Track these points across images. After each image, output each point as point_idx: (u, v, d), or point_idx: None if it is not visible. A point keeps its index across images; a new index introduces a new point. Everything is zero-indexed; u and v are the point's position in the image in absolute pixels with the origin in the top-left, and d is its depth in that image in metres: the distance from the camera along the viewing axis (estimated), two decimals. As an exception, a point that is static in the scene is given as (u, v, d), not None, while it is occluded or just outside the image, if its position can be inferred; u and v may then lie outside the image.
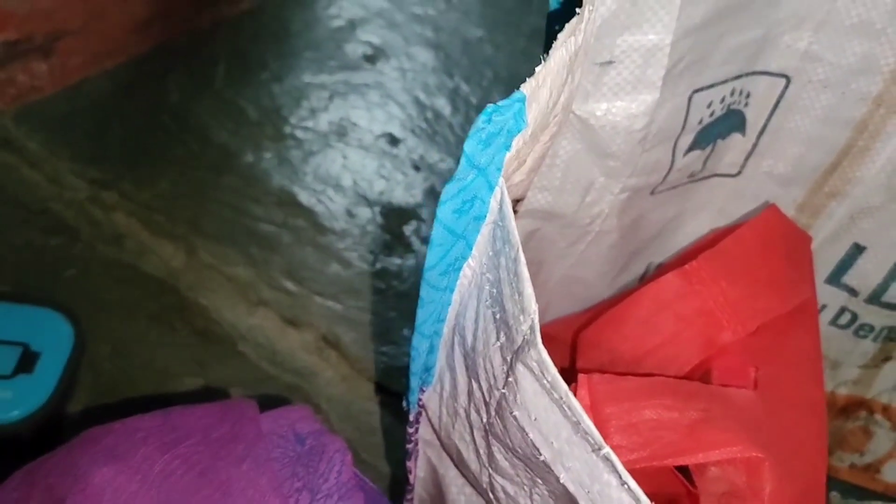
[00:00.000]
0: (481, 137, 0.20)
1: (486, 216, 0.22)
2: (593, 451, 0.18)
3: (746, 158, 0.37)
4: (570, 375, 0.34)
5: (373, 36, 0.74)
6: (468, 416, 0.25)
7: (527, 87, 0.21)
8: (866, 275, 0.39)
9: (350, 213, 0.58)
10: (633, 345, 0.33)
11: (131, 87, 0.65)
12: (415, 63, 0.71)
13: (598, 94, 0.31)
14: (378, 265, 0.55)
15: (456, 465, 0.29)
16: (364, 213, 0.59)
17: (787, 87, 0.34)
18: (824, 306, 0.41)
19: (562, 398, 0.18)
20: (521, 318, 0.19)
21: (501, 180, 0.21)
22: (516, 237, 0.20)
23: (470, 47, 0.74)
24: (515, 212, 0.35)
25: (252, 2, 0.74)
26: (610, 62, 0.30)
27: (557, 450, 0.19)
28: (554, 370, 0.18)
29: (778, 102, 0.35)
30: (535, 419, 0.20)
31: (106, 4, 0.70)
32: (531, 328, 0.19)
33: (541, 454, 0.20)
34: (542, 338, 0.42)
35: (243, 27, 0.72)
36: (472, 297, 0.23)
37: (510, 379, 0.20)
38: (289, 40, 0.72)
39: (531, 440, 0.20)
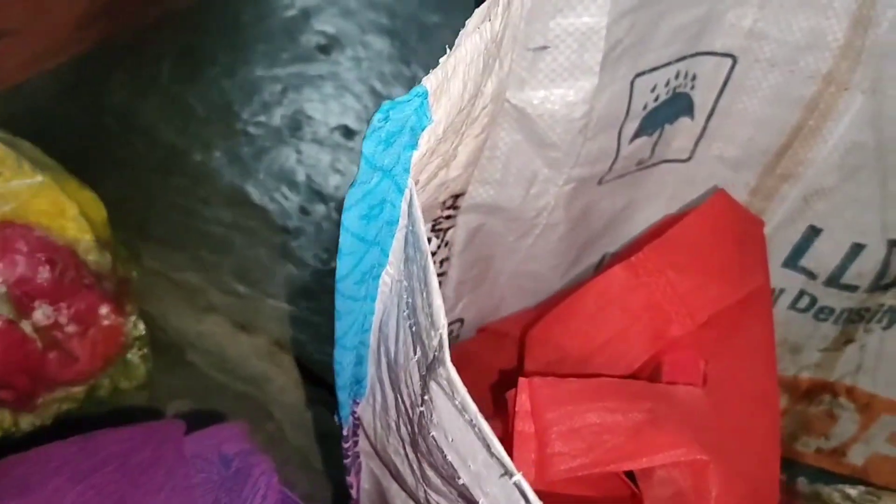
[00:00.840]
0: (380, 137, 0.18)
1: (398, 220, 0.20)
2: (506, 476, 0.16)
3: (696, 143, 0.36)
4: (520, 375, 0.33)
5: (327, 25, 0.71)
6: (398, 429, 0.24)
7: (430, 81, 0.19)
8: (823, 257, 0.38)
9: (304, 211, 0.56)
10: (580, 342, 0.32)
11: (73, 87, 0.62)
12: (370, 52, 0.69)
13: (535, 82, 0.29)
14: (334, 264, 0.54)
15: (395, 479, 0.27)
16: (319, 209, 0.57)
17: (733, 67, 0.33)
18: (782, 290, 0.40)
19: (472, 420, 0.17)
20: (432, 332, 0.18)
21: (410, 182, 0.20)
22: (426, 244, 0.19)
23: (427, 33, 0.72)
24: (458, 207, 0.33)
25: (200, -7, 0.71)
26: (544, 47, 0.29)
27: (475, 473, 0.18)
28: (463, 390, 0.17)
29: (725, 83, 0.34)
30: (452, 440, 0.18)
31: (46, 2, 0.68)
32: (440, 344, 0.17)
33: (460, 477, 0.19)
34: (494, 335, 0.40)
35: (191, 20, 0.69)
36: (394, 305, 0.22)
37: (426, 397, 0.19)
38: (239, 33, 0.69)
39: (450, 461, 0.19)
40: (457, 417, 0.18)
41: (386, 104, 0.19)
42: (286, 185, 0.58)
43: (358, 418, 0.27)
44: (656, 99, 0.33)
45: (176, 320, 0.49)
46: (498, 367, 0.37)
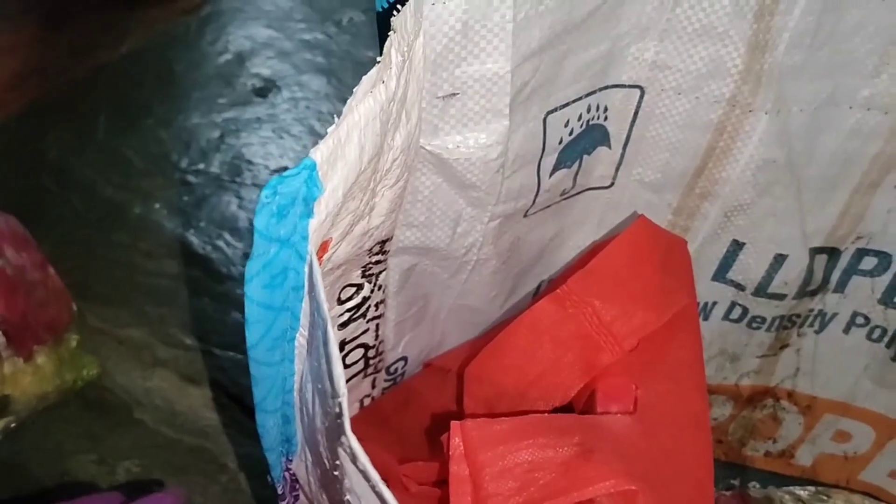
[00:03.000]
0: (272, 211, 0.19)
1: (304, 286, 0.21)
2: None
3: (616, 170, 0.37)
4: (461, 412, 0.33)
5: (262, 68, 0.72)
6: (325, 487, 0.24)
7: (319, 152, 0.20)
8: (749, 269, 0.39)
9: (248, 257, 0.56)
10: (515, 376, 0.32)
11: (7, 148, 0.61)
12: (307, 91, 0.70)
13: (448, 128, 0.30)
14: (281, 308, 0.54)
15: (335, 533, 0.27)
16: (263, 254, 0.57)
17: (642, 97, 0.34)
18: (715, 303, 0.41)
19: (374, 487, 0.17)
20: (332, 401, 0.18)
21: (311, 249, 0.20)
22: (326, 312, 0.19)
23: (362, 70, 0.72)
24: (386, 251, 0.34)
25: (132, 45, 0.71)
26: (453, 94, 0.29)
27: (389, 535, 0.18)
28: (364, 457, 0.17)
29: (637, 113, 0.35)
30: (366, 504, 0.19)
31: (-25, 64, 0.67)
32: (341, 412, 0.18)
33: (376, 539, 0.19)
34: (438, 371, 0.41)
35: (124, 72, 0.69)
36: (307, 368, 0.22)
37: (337, 462, 0.19)
38: (174, 82, 0.69)
39: (367, 524, 0.19)
40: (364, 484, 0.18)
41: (273, 180, 0.19)
42: (228, 232, 0.58)
43: (293, 475, 0.27)
44: (571, 133, 0.34)
45: (122, 378, 0.48)
46: (442, 404, 0.38)
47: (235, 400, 0.48)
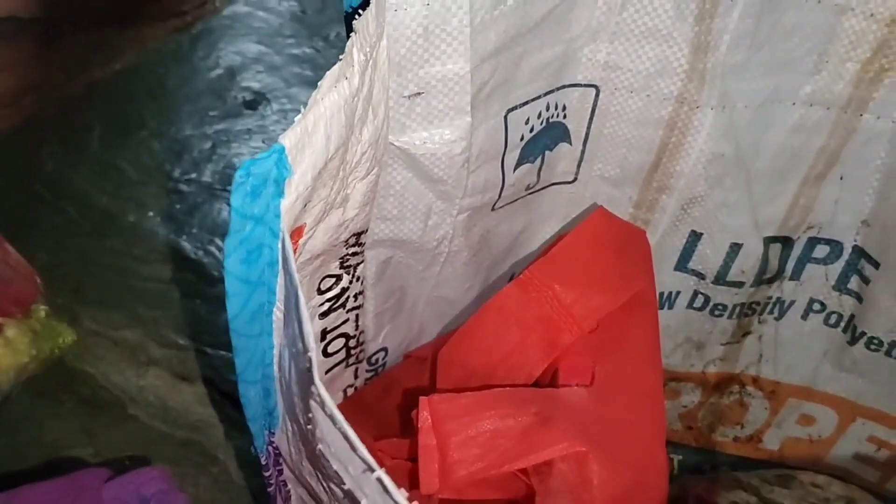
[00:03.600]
0: (246, 190, 0.21)
1: (278, 262, 0.23)
2: (370, 471, 0.19)
3: (578, 165, 0.39)
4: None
5: (252, 81, 0.74)
6: (304, 451, 0.26)
7: (288, 138, 0.22)
8: (708, 258, 0.41)
9: (238, 261, 0.59)
10: (484, 358, 0.34)
11: (3, 161, 0.64)
12: (296, 104, 0.73)
13: (414, 125, 0.32)
14: (269, 308, 0.56)
15: (314, 500, 0.29)
16: (253, 258, 0.59)
17: (597, 95, 0.36)
18: (679, 292, 0.44)
19: (340, 427, 0.19)
20: (304, 356, 0.20)
21: (283, 226, 0.22)
22: (297, 280, 0.21)
23: (348, 82, 0.75)
24: (362, 244, 0.36)
25: (126, 61, 0.74)
26: (418, 94, 0.32)
27: (354, 477, 0.20)
28: (330, 403, 0.20)
29: (593, 110, 0.37)
30: (334, 451, 0.21)
31: (-27, 83, 0.69)
32: (310, 367, 0.20)
33: (344, 483, 0.21)
34: (417, 360, 0.43)
35: (118, 88, 0.72)
36: (284, 339, 0.24)
37: (309, 414, 0.21)
38: (166, 96, 0.72)
39: (335, 471, 0.21)
40: (332, 428, 0.20)
41: (246, 161, 0.21)
42: (220, 238, 0.60)
43: (276, 448, 0.29)
44: (532, 130, 0.36)
45: (117, 377, 0.50)
46: (421, 390, 0.40)
47: (226, 396, 0.50)
